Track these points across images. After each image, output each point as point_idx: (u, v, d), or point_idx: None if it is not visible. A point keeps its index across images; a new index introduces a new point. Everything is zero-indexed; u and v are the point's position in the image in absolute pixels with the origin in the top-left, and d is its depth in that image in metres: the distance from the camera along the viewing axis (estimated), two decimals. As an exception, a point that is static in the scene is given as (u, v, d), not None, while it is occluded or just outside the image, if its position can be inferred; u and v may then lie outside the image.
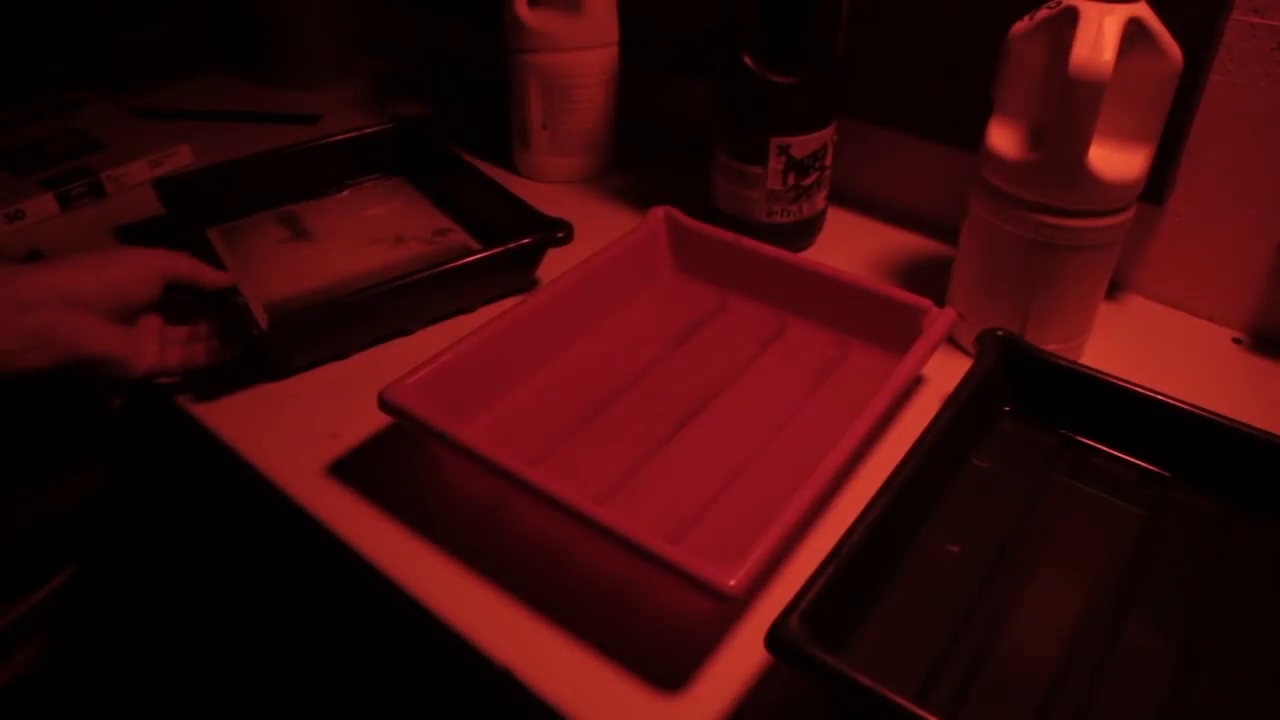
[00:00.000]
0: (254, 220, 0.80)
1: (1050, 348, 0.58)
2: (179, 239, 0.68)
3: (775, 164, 0.72)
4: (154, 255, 0.59)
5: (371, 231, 0.77)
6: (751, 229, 0.74)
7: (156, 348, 0.59)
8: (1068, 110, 0.54)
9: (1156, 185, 0.65)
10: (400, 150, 0.86)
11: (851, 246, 0.78)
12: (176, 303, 0.61)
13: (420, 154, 0.84)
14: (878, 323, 0.62)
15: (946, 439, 0.51)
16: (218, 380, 0.62)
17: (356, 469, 0.56)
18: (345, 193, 0.84)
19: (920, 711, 0.36)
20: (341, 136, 0.84)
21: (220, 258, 0.72)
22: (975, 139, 0.61)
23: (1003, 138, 0.59)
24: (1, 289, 0.52)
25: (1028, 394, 0.57)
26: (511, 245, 0.67)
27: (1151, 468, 0.54)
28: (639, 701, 0.43)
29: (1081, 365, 0.56)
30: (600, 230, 0.72)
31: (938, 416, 0.51)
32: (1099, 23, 0.52)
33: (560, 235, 0.68)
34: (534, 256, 0.70)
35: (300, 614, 0.82)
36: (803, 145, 0.71)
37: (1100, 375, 0.55)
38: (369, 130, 0.84)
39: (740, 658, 0.45)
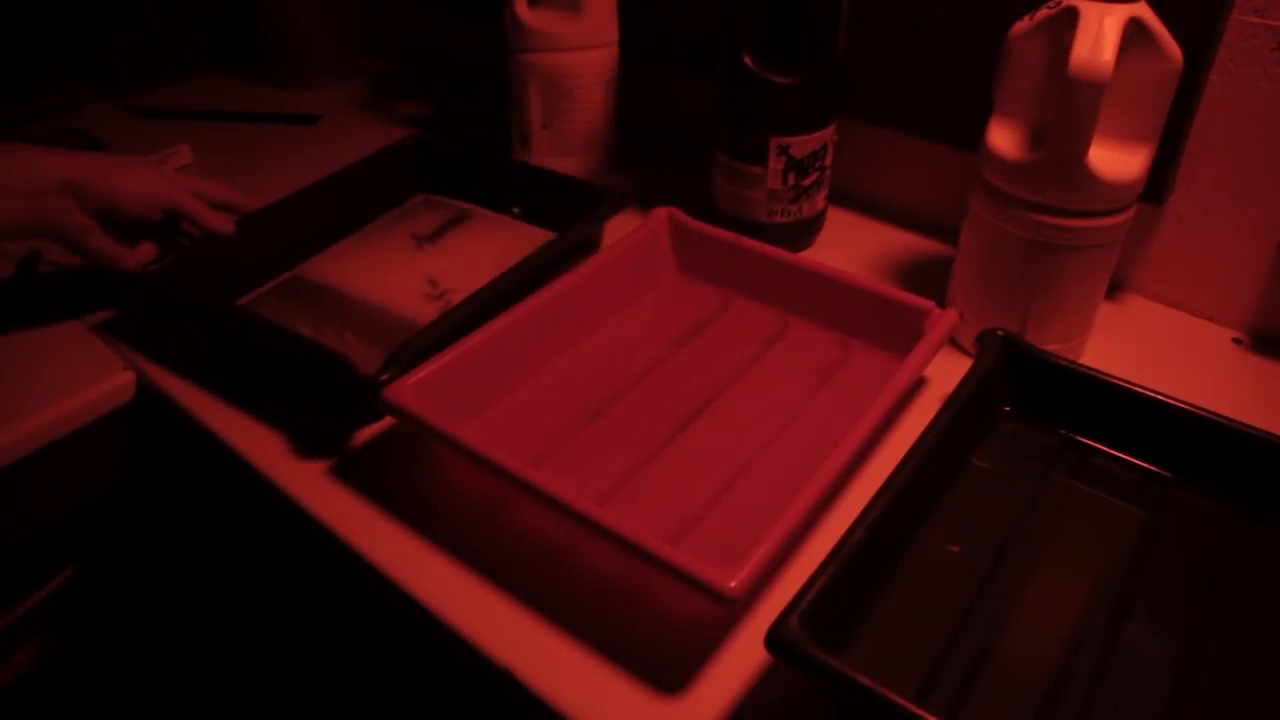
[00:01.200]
0: (441, 203, 0.83)
1: (1050, 348, 0.58)
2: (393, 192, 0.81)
3: (775, 164, 0.72)
4: (163, 181, 0.63)
5: (444, 270, 0.74)
6: (751, 229, 0.74)
7: (149, 253, 0.64)
8: (1068, 110, 0.54)
9: (1156, 185, 0.65)
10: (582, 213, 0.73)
11: (851, 246, 0.78)
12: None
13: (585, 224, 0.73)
14: (880, 324, 0.62)
15: (946, 439, 0.51)
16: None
17: (356, 469, 0.56)
18: (516, 215, 0.81)
19: (920, 711, 0.36)
20: (571, 178, 0.81)
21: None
22: (975, 139, 0.61)
23: (1003, 138, 0.59)
24: (28, 169, 0.59)
25: (1028, 394, 0.57)
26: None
27: (1152, 468, 0.54)
28: (639, 702, 0.43)
29: (1081, 365, 0.56)
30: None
31: (938, 416, 0.51)
32: (1099, 23, 0.52)
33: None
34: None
35: (300, 614, 0.82)
36: (803, 145, 0.71)
37: (1100, 375, 0.55)
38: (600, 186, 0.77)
39: (740, 658, 0.45)
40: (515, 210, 0.81)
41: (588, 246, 0.71)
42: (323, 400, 0.61)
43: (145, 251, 0.64)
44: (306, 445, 0.58)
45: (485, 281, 0.63)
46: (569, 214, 0.72)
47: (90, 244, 0.61)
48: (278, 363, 0.62)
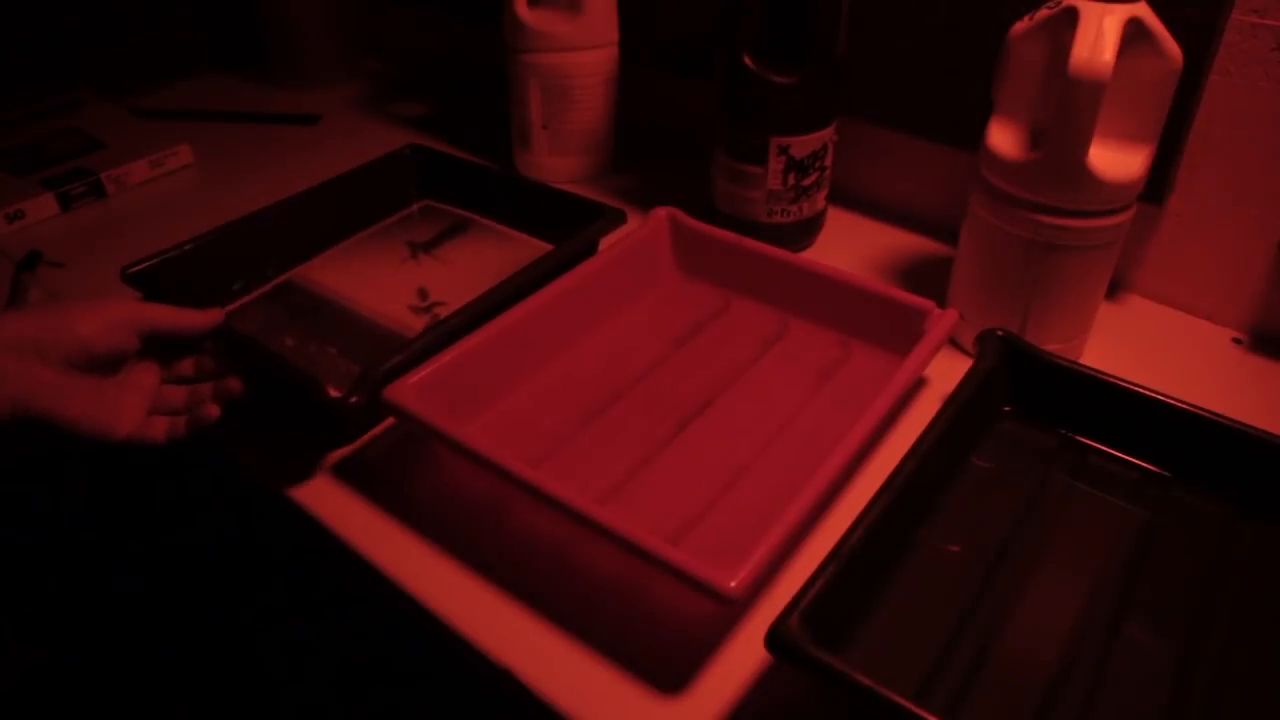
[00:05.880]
0: (441, 210, 0.82)
1: (1050, 348, 0.58)
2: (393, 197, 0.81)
3: (775, 164, 0.72)
4: (124, 306, 0.52)
5: (435, 282, 0.72)
6: (751, 229, 0.74)
7: (142, 412, 0.52)
8: (1068, 110, 0.54)
9: (1156, 185, 0.65)
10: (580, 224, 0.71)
11: (851, 246, 0.78)
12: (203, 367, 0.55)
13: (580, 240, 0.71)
14: (880, 324, 0.62)
15: (946, 439, 0.51)
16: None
17: (356, 469, 0.56)
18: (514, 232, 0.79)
19: (920, 711, 0.36)
20: (583, 194, 0.77)
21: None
22: (975, 139, 0.61)
23: (1003, 138, 0.59)
24: None
25: (1028, 394, 0.57)
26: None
27: (1151, 468, 0.54)
28: (639, 702, 0.43)
29: (1081, 365, 0.56)
30: (600, 230, 0.72)
31: (938, 416, 0.51)
32: (1099, 23, 0.52)
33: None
34: None
35: (300, 614, 0.82)
36: (803, 145, 0.71)
37: (1100, 375, 0.55)
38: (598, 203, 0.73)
39: (740, 658, 0.45)
40: (523, 227, 0.77)
41: (580, 259, 0.69)
42: (294, 419, 0.59)
43: (133, 404, 0.52)
44: (305, 445, 0.58)
45: (474, 295, 0.62)
46: (565, 229, 0.70)
47: (71, 409, 0.49)
48: (249, 378, 0.55)
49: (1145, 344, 0.67)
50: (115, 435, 0.51)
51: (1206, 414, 0.52)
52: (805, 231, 0.77)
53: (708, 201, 0.78)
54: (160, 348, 0.54)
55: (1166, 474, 0.53)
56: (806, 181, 0.73)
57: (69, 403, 0.49)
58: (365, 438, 0.59)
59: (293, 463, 0.57)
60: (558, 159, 0.88)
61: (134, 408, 0.52)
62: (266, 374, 0.56)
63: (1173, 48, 0.54)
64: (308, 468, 0.56)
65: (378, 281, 0.73)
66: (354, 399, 0.53)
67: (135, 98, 1.06)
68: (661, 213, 0.71)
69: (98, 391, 0.51)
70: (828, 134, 0.72)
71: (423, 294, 0.71)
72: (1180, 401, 0.52)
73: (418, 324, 0.68)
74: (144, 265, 0.65)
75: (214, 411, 0.52)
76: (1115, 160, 0.56)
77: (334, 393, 0.53)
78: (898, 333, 0.61)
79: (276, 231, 0.73)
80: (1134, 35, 0.53)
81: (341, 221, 0.78)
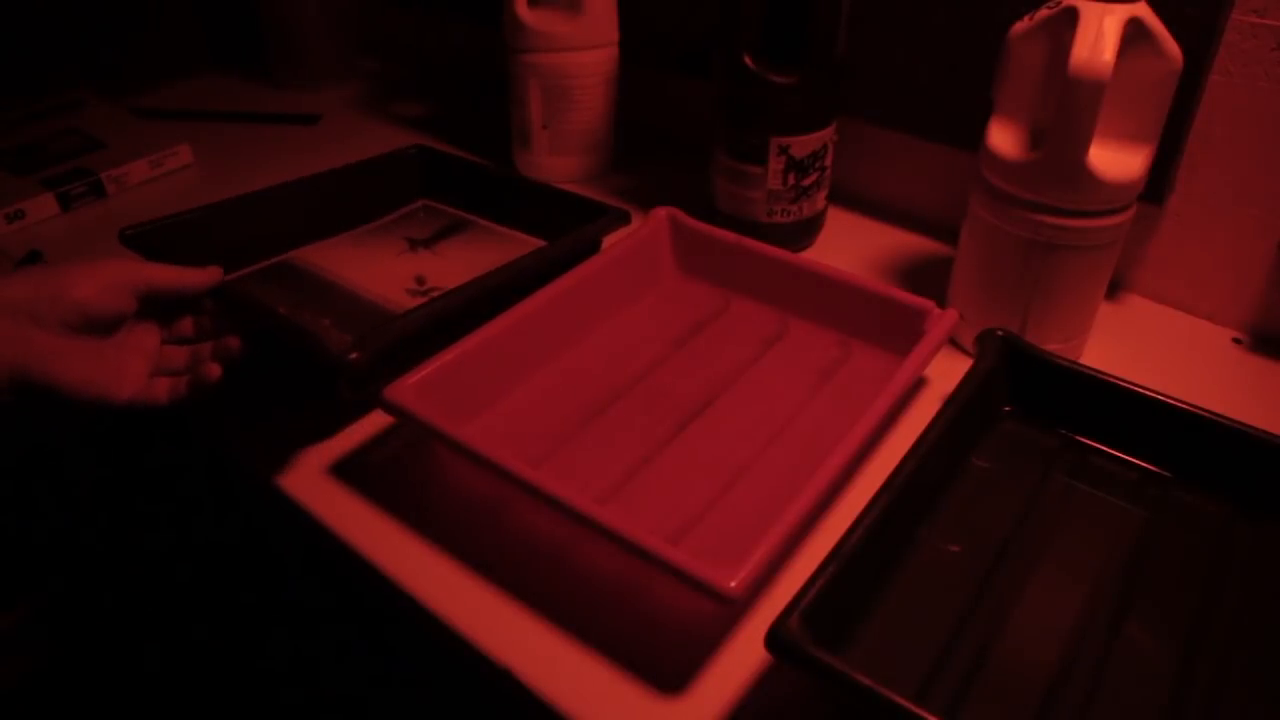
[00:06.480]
0: (441, 211, 0.81)
1: (1050, 348, 0.58)
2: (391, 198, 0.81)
3: (775, 164, 0.72)
4: (121, 267, 0.51)
5: (432, 271, 0.72)
6: (751, 229, 0.74)
7: (144, 374, 0.51)
8: (1068, 110, 0.54)
9: (1156, 185, 0.65)
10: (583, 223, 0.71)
11: (852, 246, 0.78)
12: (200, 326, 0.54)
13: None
14: (880, 324, 0.62)
15: (946, 439, 0.51)
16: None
17: (356, 469, 0.56)
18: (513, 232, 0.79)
19: (920, 711, 0.36)
20: (585, 194, 0.77)
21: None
22: (975, 139, 0.61)
23: (1003, 138, 0.59)
24: None
25: (1028, 394, 0.57)
26: None
27: (1151, 468, 0.54)
28: (639, 702, 0.43)
29: (1081, 365, 0.56)
30: (600, 230, 0.72)
31: (938, 416, 0.51)
32: (1099, 23, 0.52)
33: None
34: None
35: (300, 614, 0.82)
36: (803, 145, 0.71)
37: (1100, 375, 0.55)
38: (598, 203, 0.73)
39: (740, 658, 0.45)
40: (521, 228, 0.76)
41: (584, 254, 0.69)
42: (289, 388, 0.59)
43: (135, 367, 0.51)
44: (305, 444, 0.58)
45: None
46: (569, 229, 0.69)
47: (70, 373, 0.47)
48: (248, 338, 0.53)
49: (1145, 344, 0.67)
50: (118, 398, 0.49)
51: (1206, 414, 0.52)
52: (805, 231, 0.77)
53: (708, 201, 0.78)
54: (160, 308, 0.53)
55: (1166, 474, 0.53)
56: (806, 181, 0.73)
57: (69, 366, 0.47)
58: (361, 436, 0.59)
59: (292, 461, 0.57)
60: (558, 159, 0.88)
61: (136, 370, 0.51)
62: (265, 333, 0.54)
63: (1173, 48, 0.54)
64: (308, 466, 0.56)
65: (375, 267, 0.73)
66: (354, 355, 0.52)
67: (135, 98, 1.07)
68: (661, 213, 0.71)
69: (98, 354, 0.49)
70: (828, 134, 0.72)
71: (420, 280, 0.71)
72: (1180, 401, 0.52)
73: (413, 305, 0.67)
74: (141, 229, 0.65)
75: (215, 371, 0.50)
76: (1115, 160, 0.56)
77: (333, 349, 0.52)
78: (898, 333, 0.61)
79: (276, 213, 0.73)
80: (1134, 35, 0.53)
81: (341, 214, 0.78)
